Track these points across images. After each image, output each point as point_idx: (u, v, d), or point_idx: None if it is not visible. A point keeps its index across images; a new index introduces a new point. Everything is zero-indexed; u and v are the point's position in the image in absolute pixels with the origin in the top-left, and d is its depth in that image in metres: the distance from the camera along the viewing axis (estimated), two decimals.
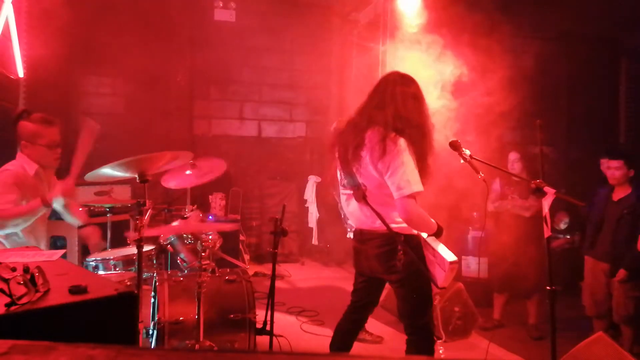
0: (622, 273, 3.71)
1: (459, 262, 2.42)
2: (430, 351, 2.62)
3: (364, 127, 2.53)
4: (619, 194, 3.89)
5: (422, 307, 2.59)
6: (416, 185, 2.39)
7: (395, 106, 2.49)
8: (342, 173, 2.70)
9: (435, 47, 5.27)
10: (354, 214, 2.69)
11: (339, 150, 2.68)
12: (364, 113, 2.59)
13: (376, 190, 2.51)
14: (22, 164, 2.87)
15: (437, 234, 2.52)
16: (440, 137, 2.84)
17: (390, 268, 2.53)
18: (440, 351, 3.20)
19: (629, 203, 3.82)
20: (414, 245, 2.53)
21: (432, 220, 2.51)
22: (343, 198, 2.77)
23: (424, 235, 2.53)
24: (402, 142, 2.41)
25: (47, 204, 2.73)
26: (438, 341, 2.81)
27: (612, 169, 3.84)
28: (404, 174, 2.37)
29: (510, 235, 4.32)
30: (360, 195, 2.55)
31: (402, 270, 2.50)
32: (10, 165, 2.84)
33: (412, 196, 2.39)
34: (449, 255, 2.35)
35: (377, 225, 2.53)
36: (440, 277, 2.42)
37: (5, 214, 2.68)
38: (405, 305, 2.62)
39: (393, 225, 2.50)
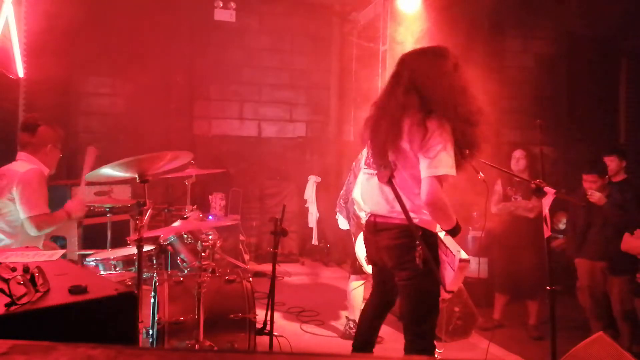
0: None
1: (469, 262, 2.23)
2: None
3: (399, 113, 2.31)
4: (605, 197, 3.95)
5: (427, 312, 2.41)
6: (448, 169, 2.21)
7: (427, 87, 2.28)
8: (372, 151, 2.52)
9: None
10: (372, 196, 2.50)
11: (372, 125, 2.47)
12: (394, 95, 2.37)
13: (407, 172, 2.33)
14: (39, 165, 2.96)
15: (454, 232, 2.35)
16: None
17: (404, 264, 2.34)
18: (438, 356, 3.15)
19: (614, 198, 3.90)
20: (431, 242, 2.34)
21: (454, 216, 2.34)
22: (364, 178, 2.61)
23: (441, 234, 2.38)
24: (443, 122, 2.23)
25: (70, 217, 3.02)
26: (437, 345, 2.67)
27: (589, 182, 3.95)
28: (438, 154, 2.20)
29: (514, 236, 4.32)
30: (387, 175, 2.36)
31: (415, 268, 2.30)
32: (28, 165, 2.90)
33: (441, 179, 2.24)
34: (460, 253, 2.20)
35: (396, 213, 2.35)
36: (449, 278, 2.27)
37: (55, 220, 2.97)
38: (409, 306, 2.43)
39: (412, 216, 2.32)
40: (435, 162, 2.21)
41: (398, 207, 2.33)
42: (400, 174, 2.35)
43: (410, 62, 2.42)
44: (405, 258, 2.33)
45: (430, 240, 2.34)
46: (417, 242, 2.29)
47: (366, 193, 2.60)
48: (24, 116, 4.32)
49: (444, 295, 2.35)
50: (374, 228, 2.50)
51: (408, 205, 2.32)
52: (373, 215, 2.52)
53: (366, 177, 2.58)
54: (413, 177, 2.32)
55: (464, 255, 2.19)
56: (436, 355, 2.92)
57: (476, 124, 2.30)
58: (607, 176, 3.97)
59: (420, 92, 2.29)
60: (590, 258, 4.03)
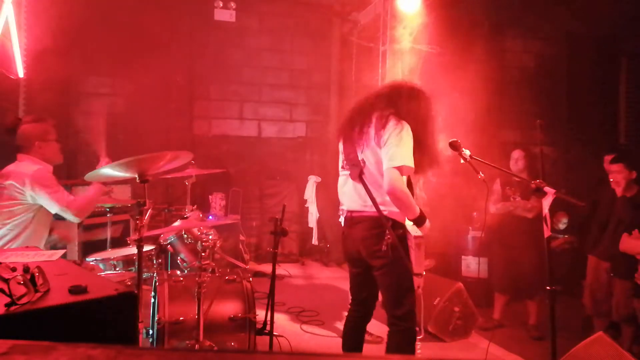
0: None
1: (423, 238, 2.50)
2: (409, 343, 2.61)
3: (370, 109, 2.64)
4: (625, 194, 3.88)
5: (402, 296, 2.59)
6: (408, 160, 2.46)
7: (401, 99, 2.62)
8: (344, 153, 2.78)
9: (435, 47, 5.27)
10: (347, 194, 2.75)
11: (345, 130, 2.77)
12: (370, 100, 2.72)
13: (374, 167, 2.58)
14: (42, 165, 2.93)
15: (419, 222, 2.54)
16: (440, 137, 2.84)
17: (376, 252, 2.57)
18: (418, 348, 3.15)
19: (634, 202, 3.82)
20: (400, 233, 2.56)
21: (417, 206, 2.55)
22: (341, 180, 2.85)
23: (409, 223, 2.58)
24: (404, 122, 2.52)
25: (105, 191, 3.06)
26: (437, 345, 2.76)
27: (614, 172, 3.86)
28: (398, 147, 2.46)
29: (513, 236, 4.32)
30: (357, 173, 2.62)
31: (386, 255, 2.53)
32: (33, 165, 2.87)
33: (401, 169, 2.46)
34: (414, 230, 2.47)
35: (368, 207, 2.58)
36: (414, 259, 2.50)
37: (87, 198, 2.98)
38: (386, 293, 2.65)
39: (382, 208, 2.54)
40: (394, 154, 2.46)
41: (369, 201, 2.57)
42: (368, 170, 2.60)
43: (391, 85, 2.80)
44: (377, 247, 2.56)
45: (399, 230, 2.57)
46: (387, 232, 2.52)
47: (343, 193, 2.82)
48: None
49: (415, 281, 2.55)
50: (351, 222, 2.73)
51: (378, 199, 2.56)
52: (349, 211, 2.75)
53: (343, 179, 2.82)
54: (379, 172, 2.55)
55: (417, 232, 2.49)
56: (417, 342, 3.01)
57: (432, 141, 2.64)
58: (634, 170, 3.83)
59: (392, 103, 2.63)
60: (598, 256, 4.01)
